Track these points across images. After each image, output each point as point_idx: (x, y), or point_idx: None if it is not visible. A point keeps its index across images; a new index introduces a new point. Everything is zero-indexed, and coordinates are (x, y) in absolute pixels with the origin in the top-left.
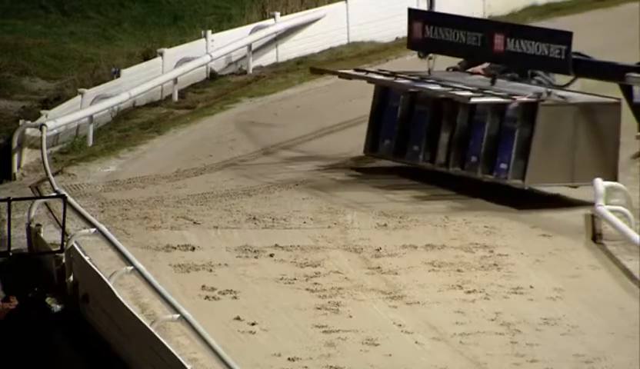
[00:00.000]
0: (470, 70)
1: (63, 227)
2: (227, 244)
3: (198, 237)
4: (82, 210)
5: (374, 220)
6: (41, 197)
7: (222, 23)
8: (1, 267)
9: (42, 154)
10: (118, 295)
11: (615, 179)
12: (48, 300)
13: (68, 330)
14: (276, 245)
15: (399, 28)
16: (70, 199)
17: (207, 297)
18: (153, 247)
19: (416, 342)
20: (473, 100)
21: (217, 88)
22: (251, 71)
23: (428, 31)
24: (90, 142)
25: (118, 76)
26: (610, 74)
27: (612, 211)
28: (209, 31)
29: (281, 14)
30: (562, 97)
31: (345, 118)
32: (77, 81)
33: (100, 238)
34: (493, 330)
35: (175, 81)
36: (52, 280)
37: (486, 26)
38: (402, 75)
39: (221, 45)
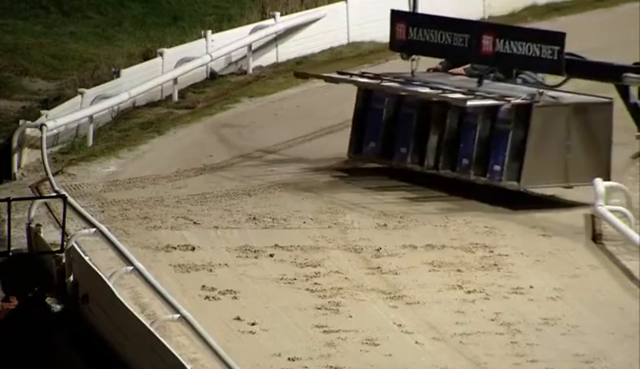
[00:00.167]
0: (452, 70)
1: (63, 227)
2: (227, 244)
3: (198, 237)
4: (82, 210)
5: (374, 220)
6: (41, 197)
7: (222, 23)
8: (1, 267)
9: (42, 154)
10: (118, 295)
11: (609, 178)
12: (48, 300)
13: (68, 330)
14: (276, 245)
15: None
16: (70, 199)
17: (207, 297)
18: (153, 247)
19: (416, 342)
20: (469, 103)
21: (217, 88)
22: (251, 71)
23: (412, 32)
24: (90, 142)
25: (118, 76)
26: (606, 74)
27: (612, 211)
28: (209, 31)
29: (281, 14)
30: (554, 97)
31: (345, 118)
32: (77, 81)
33: (100, 238)
34: (493, 330)
35: (175, 81)
36: (52, 280)
37: (474, 27)
38: (387, 78)
39: (221, 45)
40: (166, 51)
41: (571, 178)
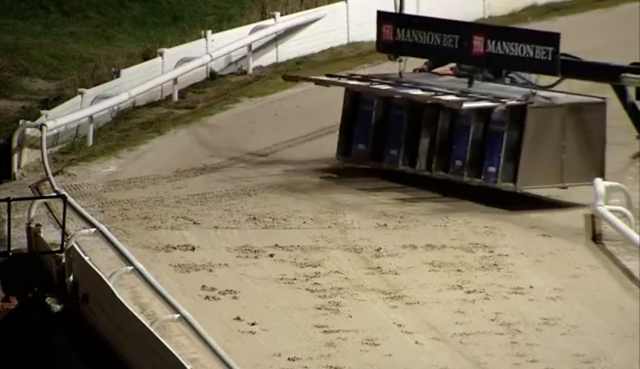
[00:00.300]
0: (438, 70)
1: (63, 227)
2: (227, 244)
3: (198, 237)
4: (82, 210)
5: (374, 220)
6: (41, 197)
7: (222, 23)
8: (1, 267)
9: (42, 154)
10: (118, 295)
11: (603, 178)
12: (48, 300)
13: (68, 330)
14: (276, 245)
15: None
16: (70, 199)
17: (207, 297)
18: (153, 247)
19: (416, 342)
20: (465, 105)
21: (217, 88)
22: (251, 71)
23: (400, 33)
24: (90, 142)
25: (118, 76)
26: (604, 74)
27: (612, 211)
28: (209, 31)
29: (281, 14)
30: (547, 98)
31: None
32: (77, 81)
33: (100, 238)
34: (493, 330)
35: (175, 81)
36: (52, 280)
37: (464, 28)
38: (376, 79)
39: (221, 45)
40: (166, 51)
41: (566, 178)
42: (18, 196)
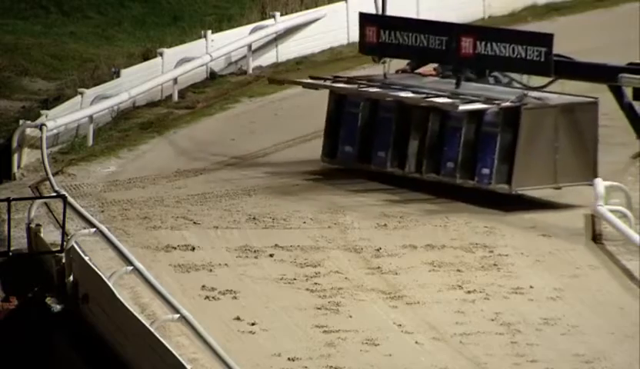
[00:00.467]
0: (420, 71)
1: (63, 227)
2: (227, 244)
3: (198, 237)
4: (82, 210)
5: (374, 220)
6: (41, 197)
7: (222, 23)
8: (1, 267)
9: (42, 154)
10: (118, 295)
11: (596, 177)
12: (48, 300)
13: (68, 330)
14: (276, 245)
15: None
16: (70, 199)
17: (207, 297)
18: (153, 247)
19: (416, 342)
20: (461, 108)
21: (217, 88)
22: (251, 71)
23: (384, 35)
24: (90, 142)
25: (118, 76)
26: (600, 75)
27: (612, 211)
28: (209, 31)
29: (281, 14)
30: (539, 98)
31: None
32: (77, 81)
33: (100, 238)
34: (493, 330)
35: (175, 81)
36: (52, 280)
37: (452, 29)
38: (362, 82)
39: (221, 45)
40: (166, 51)
41: (560, 179)
42: (18, 196)
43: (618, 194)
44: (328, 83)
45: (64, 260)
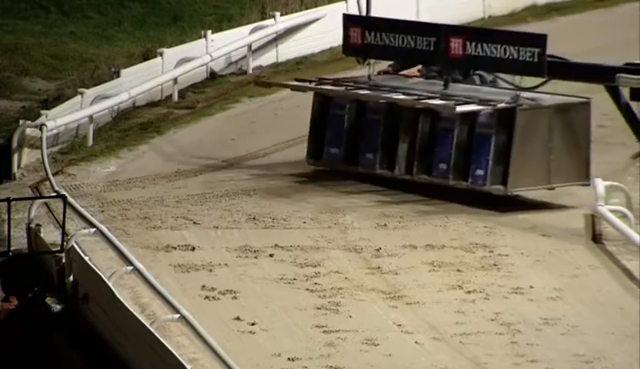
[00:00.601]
0: (405, 72)
1: (63, 227)
2: (227, 244)
3: (198, 237)
4: (82, 210)
5: (374, 220)
6: (41, 197)
7: (222, 23)
8: (1, 267)
9: (42, 154)
10: (118, 295)
11: (588, 177)
12: (48, 300)
13: (68, 330)
14: (276, 245)
15: None
16: (70, 199)
17: (207, 297)
18: (153, 247)
19: (416, 342)
20: (459, 109)
21: (217, 88)
22: (251, 71)
23: (369, 36)
24: (90, 142)
25: (118, 76)
26: (597, 75)
27: (612, 211)
28: (209, 31)
29: (281, 14)
30: (532, 99)
31: None
32: (77, 81)
33: (100, 238)
34: (493, 330)
35: (175, 81)
36: (52, 280)
37: (441, 30)
38: (349, 83)
39: (221, 45)
40: (166, 51)
41: (554, 179)
42: (18, 196)
43: (618, 194)
44: (313, 85)
45: (64, 260)
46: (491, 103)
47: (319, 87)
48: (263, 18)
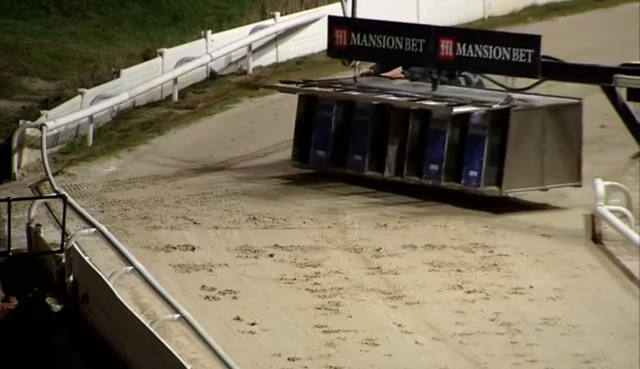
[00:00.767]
0: (389, 74)
1: (63, 227)
2: (227, 244)
3: (198, 237)
4: (82, 210)
5: (374, 220)
6: (41, 197)
7: (222, 23)
8: (1, 267)
9: (42, 154)
10: (118, 295)
11: (580, 177)
12: (48, 300)
13: (68, 330)
14: (276, 245)
15: None
16: (70, 199)
17: (207, 297)
18: (153, 247)
19: (416, 342)
20: (456, 110)
21: (217, 88)
22: (251, 71)
23: (355, 38)
24: (90, 142)
25: (118, 76)
26: (594, 76)
27: (612, 211)
28: (209, 31)
29: (281, 14)
30: (524, 100)
31: None
32: (77, 81)
33: (100, 238)
34: (493, 330)
35: (175, 81)
36: (52, 280)
37: (430, 32)
38: (337, 85)
39: (221, 45)
40: (166, 51)
41: (547, 180)
42: (18, 196)
43: (618, 194)
44: (299, 87)
45: (64, 260)
46: (486, 104)
47: (307, 89)
48: (263, 18)
